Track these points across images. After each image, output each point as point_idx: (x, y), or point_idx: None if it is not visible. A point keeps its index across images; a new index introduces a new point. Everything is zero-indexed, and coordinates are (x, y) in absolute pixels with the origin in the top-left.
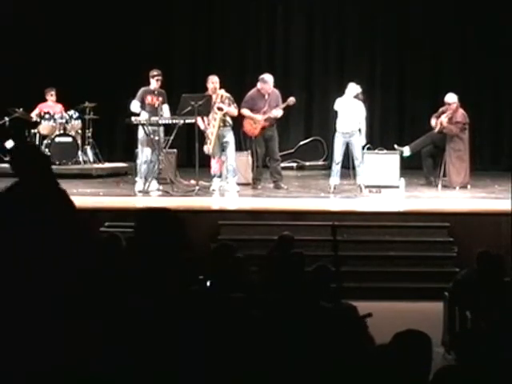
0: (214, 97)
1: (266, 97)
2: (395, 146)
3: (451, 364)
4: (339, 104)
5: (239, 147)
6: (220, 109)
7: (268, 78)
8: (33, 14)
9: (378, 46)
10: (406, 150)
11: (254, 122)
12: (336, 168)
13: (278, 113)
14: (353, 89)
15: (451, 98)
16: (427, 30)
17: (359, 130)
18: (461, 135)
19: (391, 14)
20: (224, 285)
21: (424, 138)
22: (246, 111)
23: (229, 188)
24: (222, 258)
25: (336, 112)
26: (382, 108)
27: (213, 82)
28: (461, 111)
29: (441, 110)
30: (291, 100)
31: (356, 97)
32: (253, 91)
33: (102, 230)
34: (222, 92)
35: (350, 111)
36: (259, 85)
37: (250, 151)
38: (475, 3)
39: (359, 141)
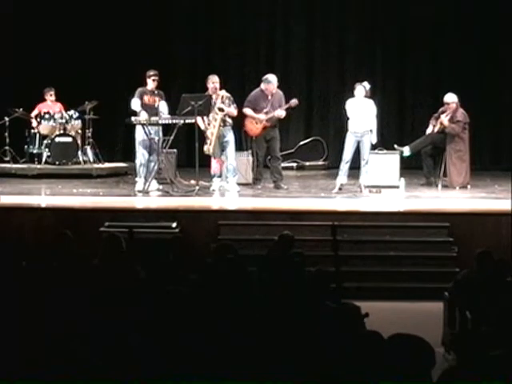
0: (214, 97)
1: (270, 97)
2: (395, 146)
3: (452, 365)
4: (350, 105)
5: (239, 147)
6: (221, 110)
7: (272, 78)
8: (32, 14)
9: (379, 46)
10: (406, 150)
11: (256, 122)
12: (345, 167)
13: (280, 113)
14: (361, 89)
15: (450, 97)
16: (427, 30)
17: (370, 131)
18: (461, 135)
19: (392, 15)
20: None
21: (424, 137)
22: (248, 110)
23: (229, 188)
24: (222, 257)
25: (346, 112)
26: (382, 108)
27: (213, 81)
28: (461, 110)
29: (440, 110)
30: (294, 102)
31: (366, 96)
32: (256, 91)
33: (101, 229)
34: (223, 92)
35: (362, 112)
36: (263, 85)
37: (250, 151)
38: (475, 3)
39: (369, 141)
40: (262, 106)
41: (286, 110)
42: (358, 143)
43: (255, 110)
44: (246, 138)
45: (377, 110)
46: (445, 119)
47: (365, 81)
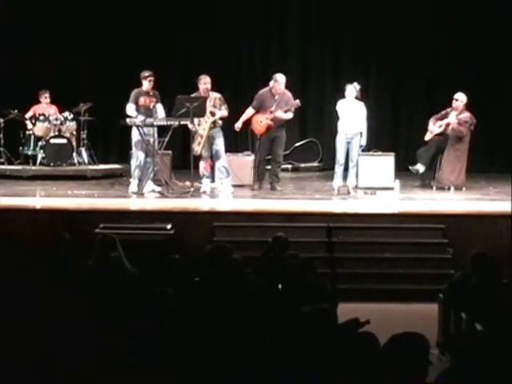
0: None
1: (276, 97)
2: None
3: (447, 366)
4: (341, 106)
5: (236, 148)
6: (213, 114)
7: (279, 77)
8: (29, 16)
9: (375, 47)
10: (420, 167)
11: (261, 121)
12: (340, 170)
13: (281, 114)
14: (352, 90)
15: (461, 96)
16: (425, 30)
17: (360, 133)
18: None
19: (388, 16)
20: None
21: (427, 148)
22: (248, 111)
23: (223, 189)
24: (217, 259)
25: (337, 114)
26: (377, 110)
27: (205, 82)
28: (468, 113)
29: (444, 111)
30: (296, 103)
31: (357, 98)
32: (265, 90)
33: (96, 231)
34: (215, 94)
35: (352, 113)
36: (271, 83)
37: (255, 150)
38: (475, 3)
39: (358, 143)
40: (268, 105)
41: (288, 111)
42: (348, 144)
43: (261, 109)
44: (252, 137)
45: (367, 112)
46: (453, 117)
47: (355, 81)
